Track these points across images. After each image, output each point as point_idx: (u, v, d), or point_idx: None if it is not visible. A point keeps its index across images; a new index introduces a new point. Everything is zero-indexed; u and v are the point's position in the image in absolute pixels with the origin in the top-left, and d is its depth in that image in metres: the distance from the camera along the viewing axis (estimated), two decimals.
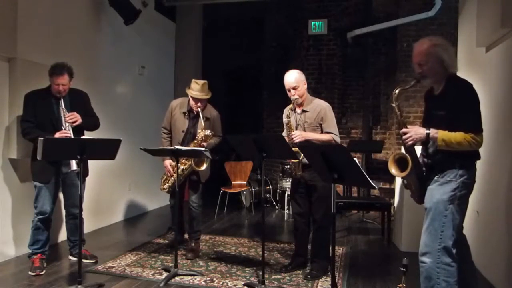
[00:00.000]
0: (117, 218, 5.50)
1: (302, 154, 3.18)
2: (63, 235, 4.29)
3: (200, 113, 3.73)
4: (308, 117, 3.44)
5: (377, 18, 6.47)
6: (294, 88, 3.40)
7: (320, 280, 3.37)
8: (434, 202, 2.45)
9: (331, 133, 3.40)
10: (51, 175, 3.49)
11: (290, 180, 3.95)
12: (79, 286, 2.96)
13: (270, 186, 6.58)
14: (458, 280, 2.43)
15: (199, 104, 3.77)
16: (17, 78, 3.74)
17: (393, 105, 2.61)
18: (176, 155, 3.46)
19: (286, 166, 5.83)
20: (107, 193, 5.24)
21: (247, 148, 3.24)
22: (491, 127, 3.19)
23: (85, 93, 3.78)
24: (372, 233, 5.09)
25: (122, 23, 5.15)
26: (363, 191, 6.34)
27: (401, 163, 2.51)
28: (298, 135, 3.32)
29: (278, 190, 6.47)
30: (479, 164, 2.53)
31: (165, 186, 4.03)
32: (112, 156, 3.12)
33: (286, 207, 6.01)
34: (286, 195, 6.00)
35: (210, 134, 3.76)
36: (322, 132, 3.43)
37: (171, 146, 3.94)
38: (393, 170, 2.54)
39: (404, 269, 2.67)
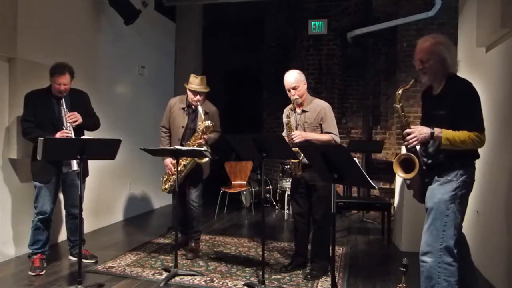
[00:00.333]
0: (117, 218, 5.50)
1: (302, 154, 3.18)
2: (63, 235, 4.29)
3: (199, 107, 3.76)
4: (308, 117, 3.44)
5: (377, 18, 6.48)
6: (294, 88, 3.40)
7: (320, 280, 3.37)
8: (436, 202, 2.45)
9: (331, 133, 3.40)
10: (51, 175, 3.49)
11: (290, 180, 3.95)
12: (79, 286, 2.96)
13: (270, 186, 6.58)
14: (458, 280, 2.43)
15: (198, 97, 3.80)
16: (17, 78, 3.74)
17: (397, 106, 2.60)
18: (176, 155, 3.46)
19: (286, 166, 5.83)
20: (107, 193, 5.24)
21: (247, 148, 3.24)
22: (491, 127, 3.18)
23: (85, 93, 3.78)
24: (372, 233, 5.09)
25: (122, 23, 5.15)
26: (363, 191, 6.33)
27: (406, 164, 2.51)
28: (298, 135, 3.32)
29: (278, 190, 6.47)
30: (479, 163, 2.54)
31: (166, 186, 4.02)
32: (112, 156, 3.12)
33: (286, 207, 6.01)
34: (286, 195, 6.00)
35: (211, 124, 3.77)
36: (322, 132, 3.43)
37: (171, 144, 3.96)
38: (399, 172, 2.54)
39: (404, 269, 2.67)
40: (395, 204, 4.81)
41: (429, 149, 2.53)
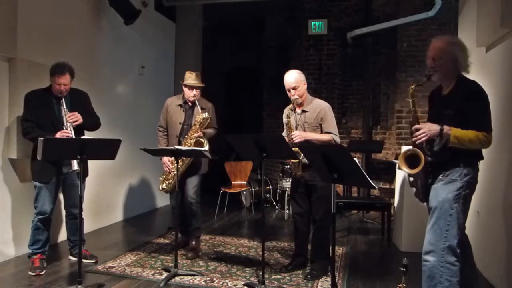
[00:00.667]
0: (117, 218, 5.50)
1: (302, 154, 3.18)
2: (63, 235, 4.29)
3: (196, 102, 3.84)
4: (308, 117, 3.44)
5: (377, 18, 6.48)
6: (294, 88, 3.40)
7: (320, 280, 3.37)
8: (440, 201, 2.46)
9: (331, 133, 3.40)
10: (51, 175, 3.49)
11: (290, 180, 3.95)
12: (79, 286, 2.96)
13: (270, 186, 6.58)
14: (460, 280, 2.44)
15: (194, 92, 3.86)
16: (17, 78, 3.74)
17: (409, 100, 2.64)
18: (176, 155, 3.46)
19: (286, 166, 5.83)
20: (107, 193, 5.24)
21: (247, 148, 3.24)
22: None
23: (85, 93, 3.78)
24: (372, 233, 5.09)
25: (122, 23, 5.15)
26: (363, 191, 6.33)
27: (411, 160, 2.52)
28: (298, 135, 3.32)
29: (278, 190, 6.47)
30: (479, 163, 2.54)
31: (163, 186, 4.03)
32: (112, 156, 3.12)
33: (286, 207, 6.01)
34: (286, 195, 6.00)
35: (208, 116, 3.82)
36: (322, 132, 3.43)
37: (168, 142, 4.00)
38: (404, 167, 2.56)
39: (404, 269, 2.68)
40: (395, 204, 4.81)
41: (434, 147, 2.53)
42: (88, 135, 3.71)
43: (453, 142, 2.37)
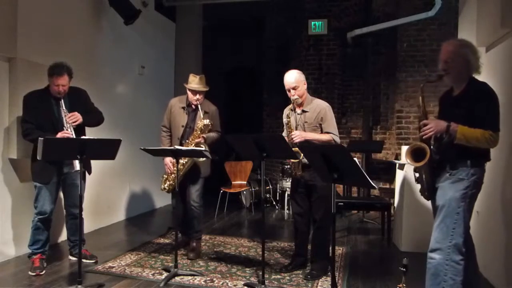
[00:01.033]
0: (117, 218, 5.50)
1: (302, 154, 3.18)
2: (63, 235, 4.29)
3: (199, 106, 3.78)
4: (308, 117, 3.44)
5: (377, 18, 6.48)
6: (294, 88, 3.40)
7: (320, 280, 3.37)
8: (447, 200, 2.49)
9: (331, 133, 3.40)
10: (51, 175, 3.49)
11: (290, 180, 3.95)
12: (79, 286, 2.96)
13: (270, 186, 6.58)
14: (463, 280, 2.46)
15: (197, 96, 3.81)
16: (17, 78, 3.74)
17: (420, 97, 2.68)
18: (176, 155, 3.46)
19: (286, 166, 5.83)
20: (107, 193, 5.24)
21: (247, 148, 3.24)
22: None
23: (83, 90, 3.76)
24: (372, 233, 5.09)
25: (122, 23, 5.15)
26: (363, 191, 6.33)
27: (417, 154, 2.55)
28: (298, 135, 3.32)
29: (278, 190, 6.47)
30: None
31: (165, 186, 4.02)
32: (112, 156, 3.12)
33: (286, 207, 6.01)
34: (286, 195, 6.00)
35: (209, 123, 3.78)
36: (322, 132, 3.43)
37: (171, 143, 3.96)
38: (408, 160, 2.59)
39: (404, 269, 2.68)
40: (395, 204, 4.81)
41: (442, 145, 2.55)
42: (89, 133, 3.71)
43: (459, 139, 2.40)
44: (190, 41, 7.03)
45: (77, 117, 3.44)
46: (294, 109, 3.48)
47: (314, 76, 7.14)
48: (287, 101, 3.51)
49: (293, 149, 3.13)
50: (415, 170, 2.70)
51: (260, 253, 3.20)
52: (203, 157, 3.67)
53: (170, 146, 3.93)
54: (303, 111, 3.47)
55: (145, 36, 6.03)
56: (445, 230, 2.48)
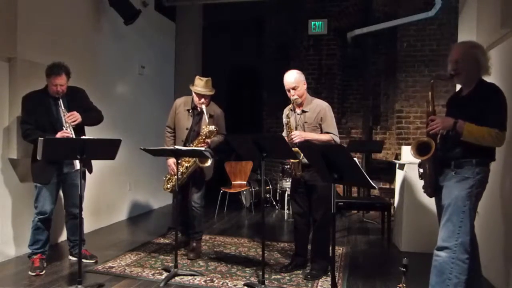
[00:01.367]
0: (117, 218, 5.50)
1: (302, 154, 3.18)
2: (63, 235, 4.30)
3: (204, 110, 3.75)
4: (308, 117, 3.44)
5: (377, 18, 6.48)
6: (293, 88, 3.40)
7: (320, 280, 3.37)
8: (453, 198, 2.51)
9: (331, 133, 3.40)
10: (51, 175, 3.49)
11: (290, 180, 3.95)
12: (79, 286, 2.96)
13: (270, 186, 6.58)
14: (467, 279, 2.49)
15: (202, 100, 3.78)
16: (17, 78, 3.74)
17: (429, 92, 2.71)
18: (176, 155, 3.46)
19: (286, 166, 5.83)
20: (107, 193, 5.24)
21: (247, 148, 3.24)
22: None
23: (82, 89, 3.76)
24: (372, 233, 5.09)
25: (122, 23, 5.15)
26: (363, 191, 6.34)
27: (422, 149, 2.58)
28: (298, 135, 3.32)
29: (278, 190, 6.47)
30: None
31: (168, 186, 4.01)
32: (112, 156, 3.11)
33: (286, 207, 6.01)
34: (286, 195, 6.00)
35: (215, 130, 3.77)
36: (321, 132, 3.43)
37: (175, 144, 3.94)
38: (414, 154, 2.62)
39: (404, 269, 2.68)
40: (395, 204, 4.81)
41: (447, 143, 2.58)
42: (89, 133, 3.71)
43: (466, 135, 2.43)
44: (190, 41, 7.04)
45: (76, 117, 3.44)
46: (294, 109, 3.48)
47: (314, 76, 7.14)
48: (287, 101, 3.51)
49: (293, 149, 3.13)
50: (420, 166, 2.73)
51: (260, 253, 3.20)
52: (203, 157, 3.67)
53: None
54: (303, 111, 3.47)
55: (145, 36, 6.03)
56: (452, 229, 2.50)
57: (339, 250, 4.24)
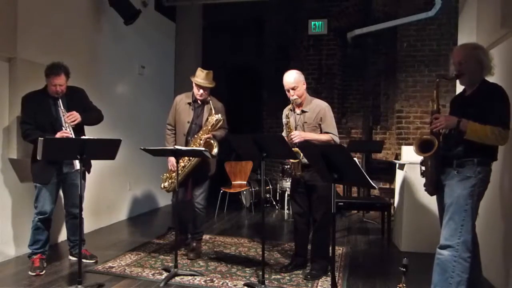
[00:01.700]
0: (117, 218, 5.50)
1: (301, 154, 3.18)
2: (63, 235, 4.29)
3: (211, 102, 3.77)
4: (307, 117, 3.44)
5: (377, 18, 6.48)
6: (293, 89, 3.40)
7: (320, 280, 3.37)
8: (455, 197, 2.53)
9: (330, 133, 3.40)
10: (51, 175, 3.49)
11: (290, 180, 3.95)
12: (79, 286, 2.96)
13: (270, 186, 6.58)
14: (468, 278, 2.51)
15: (201, 91, 3.79)
16: (17, 78, 3.74)
17: (434, 91, 2.75)
18: (176, 155, 3.45)
19: (286, 166, 5.83)
20: (107, 193, 5.24)
21: (247, 148, 3.24)
22: None
23: (81, 89, 3.76)
24: (372, 233, 5.09)
25: (122, 23, 5.15)
26: (363, 191, 6.34)
27: (425, 146, 2.60)
28: (297, 135, 3.32)
29: (278, 190, 6.47)
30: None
31: (165, 184, 3.97)
32: (112, 156, 3.11)
33: (286, 207, 6.01)
34: (286, 195, 6.00)
35: (222, 118, 3.76)
36: (321, 132, 3.43)
37: (176, 140, 3.93)
38: (416, 151, 2.64)
39: (404, 269, 2.68)
40: (395, 204, 4.81)
41: (450, 142, 2.60)
42: (88, 133, 3.71)
43: (469, 134, 2.45)
44: (190, 41, 7.03)
45: (75, 117, 3.44)
46: (294, 109, 3.48)
47: (314, 76, 7.14)
48: (287, 101, 3.51)
49: (293, 149, 3.13)
50: (422, 164, 2.74)
51: (260, 253, 3.20)
52: (203, 157, 3.67)
53: (175, 144, 3.90)
54: (303, 111, 3.47)
55: (145, 36, 6.03)
56: (454, 227, 2.52)
57: (339, 250, 4.24)
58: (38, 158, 2.89)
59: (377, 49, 7.00)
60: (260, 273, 3.17)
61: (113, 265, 3.65)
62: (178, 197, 3.87)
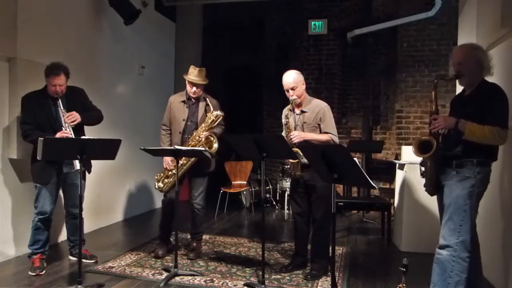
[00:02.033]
0: (117, 218, 5.50)
1: (301, 154, 3.18)
2: (63, 235, 4.29)
3: (208, 99, 3.77)
4: (307, 117, 3.44)
5: (377, 18, 6.47)
6: (292, 89, 3.40)
7: (320, 280, 3.37)
8: (454, 197, 2.54)
9: (330, 133, 3.40)
10: (51, 175, 3.49)
11: (290, 180, 3.95)
12: (79, 286, 2.96)
13: (270, 186, 6.58)
14: (467, 278, 2.51)
15: (194, 89, 3.78)
16: (17, 78, 3.74)
17: (433, 92, 2.75)
18: (176, 155, 3.45)
19: (286, 166, 5.83)
20: (107, 193, 5.24)
21: (247, 148, 3.24)
22: None
23: (81, 89, 3.76)
24: (372, 233, 5.09)
25: (122, 23, 5.14)
26: (363, 191, 6.33)
27: (424, 147, 2.61)
28: (297, 136, 3.32)
29: (278, 190, 6.47)
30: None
31: (160, 184, 3.91)
32: (112, 156, 3.12)
33: (286, 207, 6.01)
34: (286, 195, 6.00)
35: (221, 114, 3.76)
36: (320, 132, 3.43)
37: (171, 139, 3.91)
38: (415, 152, 2.65)
39: (404, 269, 2.68)
40: (395, 204, 4.81)
41: (449, 142, 2.61)
42: (88, 133, 3.71)
43: (467, 134, 2.46)
44: (190, 41, 7.02)
45: (75, 117, 3.44)
46: (293, 110, 3.48)
47: (314, 76, 7.14)
48: (287, 101, 3.51)
49: (293, 149, 3.13)
50: (421, 164, 2.75)
51: (260, 253, 3.20)
52: (203, 157, 3.66)
53: (170, 144, 3.89)
54: (302, 112, 3.47)
55: (145, 36, 6.03)
56: (453, 227, 2.53)
57: (339, 250, 4.24)
58: (38, 158, 2.90)
59: (377, 49, 7.00)
60: (260, 273, 3.17)
61: (113, 265, 3.65)
62: (177, 196, 3.85)
